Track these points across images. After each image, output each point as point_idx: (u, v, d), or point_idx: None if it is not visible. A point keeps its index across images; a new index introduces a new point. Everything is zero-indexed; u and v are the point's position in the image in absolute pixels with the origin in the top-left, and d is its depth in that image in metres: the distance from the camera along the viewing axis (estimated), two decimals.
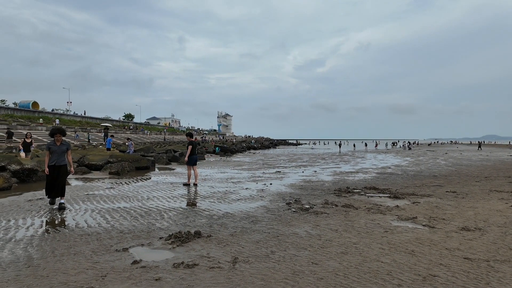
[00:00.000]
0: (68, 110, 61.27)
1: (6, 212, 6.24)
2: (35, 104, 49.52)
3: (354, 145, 59.74)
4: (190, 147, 10.07)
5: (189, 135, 10.77)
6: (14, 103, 52.69)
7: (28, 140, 13.72)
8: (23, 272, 3.43)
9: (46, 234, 4.84)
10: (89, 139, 37.98)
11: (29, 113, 45.96)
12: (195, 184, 10.05)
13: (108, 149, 20.31)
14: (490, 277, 3.33)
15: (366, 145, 61.89)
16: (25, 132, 29.71)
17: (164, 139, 54.17)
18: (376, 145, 61.70)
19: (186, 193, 8.79)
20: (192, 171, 10.25)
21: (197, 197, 8.15)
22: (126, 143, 20.20)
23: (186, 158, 10.14)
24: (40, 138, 31.48)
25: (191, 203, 7.34)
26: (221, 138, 72.00)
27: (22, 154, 13.00)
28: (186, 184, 10.06)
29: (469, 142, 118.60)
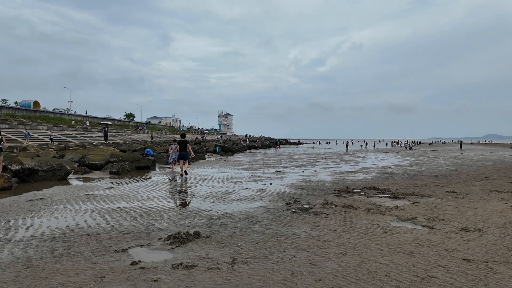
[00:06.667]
0: (69, 110, 61.35)
1: (6, 212, 6.26)
2: (36, 103, 49.59)
3: (361, 145, 60.36)
4: (177, 145, 13.30)
5: (181, 135, 13.44)
6: (16, 103, 52.80)
7: None
8: (22, 273, 3.44)
9: (45, 234, 4.85)
10: (51, 139, 28.91)
11: (30, 112, 46.00)
12: (181, 175, 12.36)
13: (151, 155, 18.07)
14: (489, 278, 3.33)
15: (367, 144, 62.22)
16: (24, 131, 29.69)
17: (152, 138, 49.13)
18: (374, 145, 61.86)
19: (186, 193, 8.80)
20: (183, 165, 12.72)
21: (197, 197, 8.16)
22: (169, 151, 15.50)
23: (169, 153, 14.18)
24: (41, 137, 31.57)
25: (191, 203, 7.35)
26: (220, 138, 70.38)
27: None
28: (181, 174, 12.54)
29: (470, 142, 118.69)
